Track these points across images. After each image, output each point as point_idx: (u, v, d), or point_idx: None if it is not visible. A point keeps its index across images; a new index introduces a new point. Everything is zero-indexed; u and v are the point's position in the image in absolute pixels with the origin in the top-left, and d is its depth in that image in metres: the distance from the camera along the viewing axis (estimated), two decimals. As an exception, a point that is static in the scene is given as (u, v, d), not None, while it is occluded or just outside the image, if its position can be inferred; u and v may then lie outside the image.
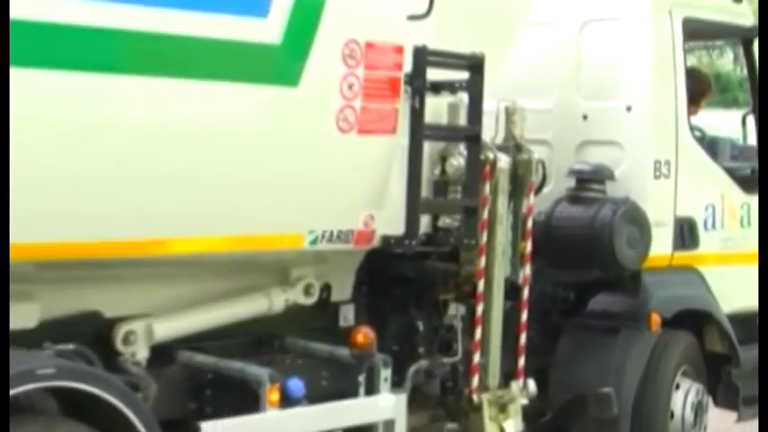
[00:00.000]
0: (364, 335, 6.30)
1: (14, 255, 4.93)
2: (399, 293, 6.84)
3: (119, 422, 5.13)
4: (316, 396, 6.02)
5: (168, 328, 5.86)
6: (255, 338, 6.29)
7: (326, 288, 6.53)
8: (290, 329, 6.44)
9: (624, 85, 7.88)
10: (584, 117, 7.89)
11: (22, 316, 5.34)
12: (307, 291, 6.41)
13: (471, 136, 6.59)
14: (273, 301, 6.26)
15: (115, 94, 5.03)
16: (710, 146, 8.39)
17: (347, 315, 6.69)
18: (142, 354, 5.76)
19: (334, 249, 6.18)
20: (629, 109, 7.82)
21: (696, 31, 8.32)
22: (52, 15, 4.79)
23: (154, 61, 5.16)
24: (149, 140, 5.20)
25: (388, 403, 6.30)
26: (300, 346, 6.42)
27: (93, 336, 5.64)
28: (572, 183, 7.61)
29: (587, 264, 7.56)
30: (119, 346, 5.69)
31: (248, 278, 6.24)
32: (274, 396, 5.74)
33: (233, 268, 6.14)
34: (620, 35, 7.91)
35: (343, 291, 6.63)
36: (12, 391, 4.75)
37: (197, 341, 6.02)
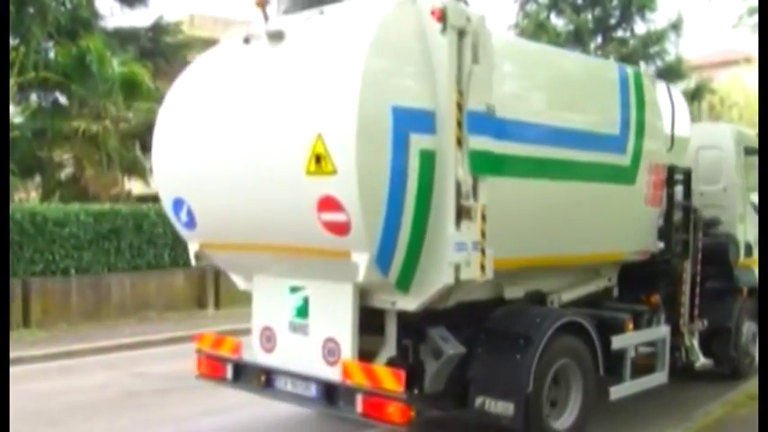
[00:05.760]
0: (655, 298, 7.83)
1: (517, 263, 6.40)
2: (639, 280, 8.07)
3: (587, 334, 6.70)
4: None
5: (566, 296, 7.27)
6: (590, 303, 7.46)
7: (611, 278, 7.96)
8: (602, 298, 7.81)
9: (721, 178, 9.47)
10: (701, 194, 9.12)
11: (519, 292, 6.79)
12: (609, 279, 7.85)
13: (687, 206, 8.33)
14: (598, 285, 7.72)
15: (572, 191, 6.77)
16: (754, 207, 9.97)
17: (615, 292, 8.01)
18: (557, 310, 7.24)
19: (633, 259, 7.81)
20: (725, 189, 9.46)
21: (748, 151, 9.74)
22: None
23: (588, 174, 6.86)
24: (580, 208, 6.88)
25: (665, 330, 7.88)
26: (611, 305, 7.74)
27: (538, 300, 7.06)
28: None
29: (714, 264, 8.94)
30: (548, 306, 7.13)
31: (585, 275, 7.58)
32: (630, 325, 7.31)
33: (581, 270, 7.52)
34: (718, 155, 9.53)
35: (615, 279, 8.02)
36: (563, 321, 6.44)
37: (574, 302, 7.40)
